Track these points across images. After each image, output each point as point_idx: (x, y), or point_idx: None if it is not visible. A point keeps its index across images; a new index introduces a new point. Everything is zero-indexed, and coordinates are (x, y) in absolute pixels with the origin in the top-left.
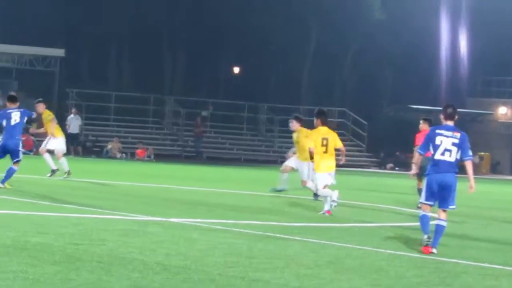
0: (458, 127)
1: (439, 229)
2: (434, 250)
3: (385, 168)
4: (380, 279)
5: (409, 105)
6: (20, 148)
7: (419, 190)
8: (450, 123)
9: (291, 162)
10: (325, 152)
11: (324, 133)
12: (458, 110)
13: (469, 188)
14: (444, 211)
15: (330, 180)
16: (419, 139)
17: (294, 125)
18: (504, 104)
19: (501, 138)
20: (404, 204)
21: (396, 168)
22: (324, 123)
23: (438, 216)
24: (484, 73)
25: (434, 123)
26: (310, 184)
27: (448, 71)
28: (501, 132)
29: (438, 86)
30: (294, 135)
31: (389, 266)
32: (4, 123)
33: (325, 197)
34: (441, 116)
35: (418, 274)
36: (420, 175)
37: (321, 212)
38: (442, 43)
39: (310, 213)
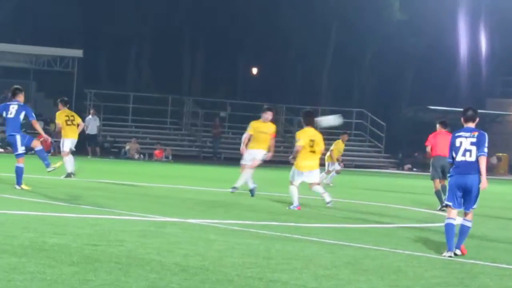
0: (479, 127)
1: (463, 229)
2: (457, 252)
3: (403, 169)
4: (398, 280)
5: (427, 106)
6: (18, 143)
7: (437, 193)
8: (470, 125)
9: (245, 160)
10: (312, 152)
11: (311, 135)
12: (477, 111)
13: (481, 185)
14: (469, 212)
15: (312, 179)
16: (430, 140)
17: (270, 116)
18: None
19: None
20: (422, 205)
21: (414, 169)
22: (308, 124)
23: (464, 217)
24: (504, 73)
25: (452, 124)
26: (246, 174)
27: (467, 72)
28: None
29: (457, 87)
30: (263, 126)
31: (408, 267)
32: (4, 114)
33: (292, 194)
34: (462, 119)
35: (437, 275)
36: (435, 178)
37: (291, 207)
38: (461, 44)
39: (326, 214)
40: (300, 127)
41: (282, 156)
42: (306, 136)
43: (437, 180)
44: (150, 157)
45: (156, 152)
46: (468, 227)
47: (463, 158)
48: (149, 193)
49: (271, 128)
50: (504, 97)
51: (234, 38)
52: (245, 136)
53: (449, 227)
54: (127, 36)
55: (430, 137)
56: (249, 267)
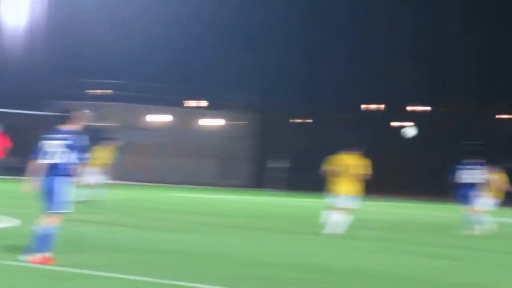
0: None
1: (39, 234)
2: (25, 257)
3: None
4: None
5: None
6: None
7: None
8: (65, 127)
9: None
10: None
11: None
12: (36, 113)
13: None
14: (51, 215)
15: None
16: None
17: None
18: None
19: None
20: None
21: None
22: None
23: (44, 221)
24: (64, 76)
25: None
26: None
27: (24, 73)
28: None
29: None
30: None
31: None
32: None
33: None
34: (60, 121)
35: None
36: None
37: None
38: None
39: None
40: None
41: None
42: None
43: None
44: None
45: None
46: (46, 233)
47: (47, 161)
48: None
49: None
50: (67, 99)
51: None
52: None
53: (34, 232)
54: None
55: None
56: None
